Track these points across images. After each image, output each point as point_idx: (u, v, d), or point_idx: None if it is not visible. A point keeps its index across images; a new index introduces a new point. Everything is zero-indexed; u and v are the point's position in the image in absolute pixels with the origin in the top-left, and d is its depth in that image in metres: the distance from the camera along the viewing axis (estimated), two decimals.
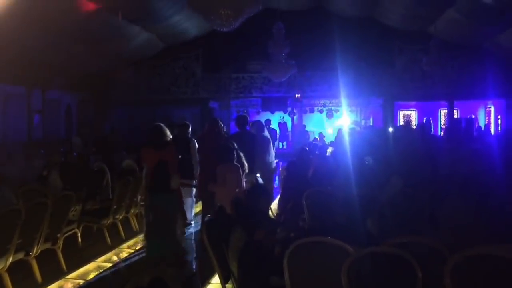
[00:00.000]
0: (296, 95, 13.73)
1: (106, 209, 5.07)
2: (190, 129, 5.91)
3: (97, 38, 10.29)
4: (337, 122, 15.75)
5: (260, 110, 15.31)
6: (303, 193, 3.91)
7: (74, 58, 10.66)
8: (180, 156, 5.18)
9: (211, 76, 14.03)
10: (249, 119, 6.50)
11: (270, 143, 6.09)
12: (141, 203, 5.58)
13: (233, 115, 15.08)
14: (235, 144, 4.82)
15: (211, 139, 5.39)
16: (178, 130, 5.93)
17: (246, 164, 4.86)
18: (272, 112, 15.07)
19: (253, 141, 5.61)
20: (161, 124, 4.80)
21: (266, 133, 6.22)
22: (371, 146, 5.69)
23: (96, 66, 12.07)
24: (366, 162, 5.02)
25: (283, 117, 16.46)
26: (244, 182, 4.73)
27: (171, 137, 4.86)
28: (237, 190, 4.41)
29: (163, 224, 4.12)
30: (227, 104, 14.28)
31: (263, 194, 3.09)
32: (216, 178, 4.52)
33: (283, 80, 11.15)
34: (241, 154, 4.82)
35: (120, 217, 5.28)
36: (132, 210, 5.60)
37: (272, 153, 6.22)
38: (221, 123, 5.71)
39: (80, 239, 4.85)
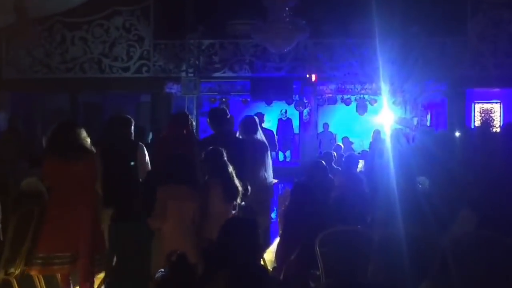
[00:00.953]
0: (309, 76, 13.83)
1: None
2: (132, 128, 5.98)
3: None
4: (373, 120, 15.91)
5: (249, 100, 15.39)
6: (317, 235, 3.96)
7: None
8: (112, 173, 5.30)
9: (168, 44, 14.07)
10: (229, 114, 6.66)
11: (267, 151, 6.30)
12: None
13: (204, 107, 15.09)
14: (223, 154, 4.96)
15: (176, 145, 5.55)
16: (114, 129, 6.02)
17: (238, 186, 5.01)
18: (268, 103, 15.15)
19: (239, 148, 5.73)
20: (71, 120, 4.89)
21: (260, 136, 6.39)
22: (428, 160, 5.78)
23: None
24: (420, 186, 5.09)
25: (285, 111, 16.57)
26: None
27: (88, 140, 5.01)
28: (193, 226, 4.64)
29: (133, 266, 4.38)
30: (194, 89, 14.30)
31: (251, 235, 3.14)
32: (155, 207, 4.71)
33: (286, 50, 11.23)
34: (231, 171, 4.98)
35: (17, 272, 5.22)
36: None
37: (270, 167, 6.37)
38: (191, 119, 5.95)
39: None
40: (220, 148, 5.10)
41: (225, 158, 5.08)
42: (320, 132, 16.63)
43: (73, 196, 5.09)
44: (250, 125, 6.35)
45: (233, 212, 5.19)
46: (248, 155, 5.83)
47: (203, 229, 4.92)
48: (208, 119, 6.27)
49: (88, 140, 5.09)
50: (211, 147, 5.19)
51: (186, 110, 13.41)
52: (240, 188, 5.05)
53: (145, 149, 5.85)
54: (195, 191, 4.86)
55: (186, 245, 4.66)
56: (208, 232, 4.83)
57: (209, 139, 5.97)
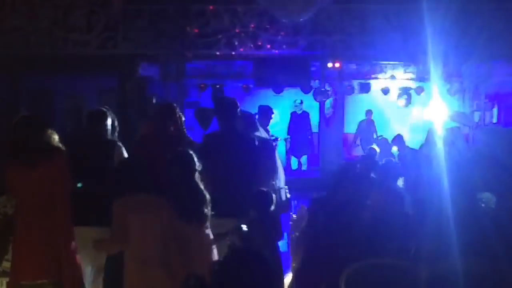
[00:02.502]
0: (333, 55, 13.83)
1: None
2: (109, 122, 6.31)
3: None
4: (420, 115, 15.92)
5: (251, 86, 15.38)
6: (342, 269, 3.96)
7: None
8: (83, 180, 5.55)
9: (142, 9, 14.10)
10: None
11: (274, 151, 6.60)
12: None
13: (190, 96, 15.11)
14: (190, 159, 5.14)
15: (161, 146, 5.77)
16: (86, 124, 6.33)
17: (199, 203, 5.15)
18: (278, 91, 15.18)
19: (245, 151, 5.99)
20: (29, 115, 5.31)
21: (260, 133, 6.70)
22: (494, 171, 5.78)
23: None
24: (484, 205, 5.09)
25: (300, 102, 16.57)
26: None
27: (54, 137, 5.26)
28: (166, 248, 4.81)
29: None
30: (177, 71, 14.34)
31: (254, 272, 3.16)
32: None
33: (302, 20, 11.23)
34: (195, 183, 5.13)
35: None
36: None
37: (282, 175, 6.58)
38: (180, 113, 6.22)
39: None
40: (189, 152, 5.26)
41: (194, 164, 5.20)
42: (361, 122, 16.57)
43: (43, 210, 5.30)
44: (252, 120, 6.72)
45: (206, 232, 5.27)
46: (255, 160, 6.10)
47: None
48: (215, 111, 6.53)
49: (56, 137, 5.30)
50: (180, 149, 5.36)
51: (167, 100, 13.53)
52: (204, 208, 5.18)
53: (123, 150, 6.10)
54: (160, 198, 5.01)
55: (161, 275, 4.85)
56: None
57: (213, 138, 6.26)
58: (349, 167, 6.65)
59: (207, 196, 5.24)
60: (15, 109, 13.66)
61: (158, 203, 5.00)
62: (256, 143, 6.20)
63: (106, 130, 6.26)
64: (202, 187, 5.24)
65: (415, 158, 9.56)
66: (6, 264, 6.23)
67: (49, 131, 5.28)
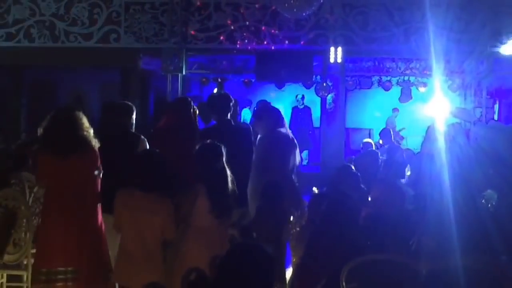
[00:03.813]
0: (335, 50, 13.82)
1: None
2: (133, 117, 6.56)
3: None
4: (421, 111, 15.91)
5: (253, 80, 15.38)
6: (343, 264, 3.95)
7: None
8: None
9: (144, 3, 14.05)
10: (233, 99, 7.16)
11: (296, 148, 6.99)
12: None
13: (192, 90, 15.11)
14: (220, 151, 5.26)
15: (176, 140, 6.01)
16: (110, 117, 6.55)
17: (229, 200, 5.26)
18: (279, 86, 15.19)
19: (241, 141, 6.50)
20: (71, 106, 5.65)
21: (286, 130, 7.09)
22: (496, 167, 5.77)
23: None
24: (484, 202, 5.08)
25: (302, 97, 16.58)
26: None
27: (90, 131, 5.52)
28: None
29: None
30: (179, 65, 14.33)
31: (256, 267, 3.14)
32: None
33: (305, 15, 11.22)
34: (228, 177, 5.28)
35: None
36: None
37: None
38: (194, 107, 6.52)
39: None
40: (218, 144, 5.33)
41: (223, 158, 5.28)
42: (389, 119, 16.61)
43: (72, 200, 5.51)
44: (273, 116, 7.10)
45: (230, 231, 5.37)
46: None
47: (181, 243, 5.17)
48: (208, 106, 6.91)
49: (91, 131, 5.54)
50: (207, 141, 5.43)
51: (168, 93, 13.53)
52: (232, 204, 5.31)
53: (147, 143, 6.32)
54: (164, 200, 5.10)
55: (144, 272, 4.95)
56: (185, 248, 5.11)
57: (210, 131, 6.49)
58: (345, 167, 6.70)
59: (234, 187, 5.34)
60: (17, 102, 13.68)
61: (158, 205, 5.07)
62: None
63: (132, 123, 6.50)
64: (231, 181, 5.32)
65: (394, 153, 9.60)
66: (7, 258, 6.28)
67: (86, 124, 5.48)
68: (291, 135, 7.15)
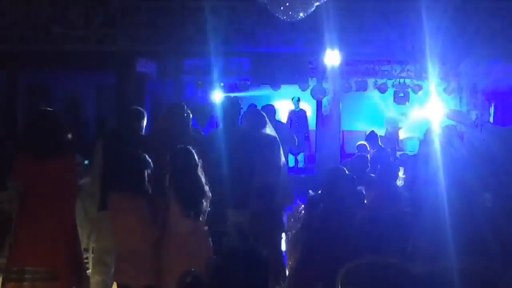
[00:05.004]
0: (330, 52, 13.83)
1: None
2: (144, 122, 6.78)
3: None
4: (417, 113, 15.92)
5: (249, 83, 15.38)
6: (339, 268, 3.95)
7: None
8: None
9: (141, 5, 14.05)
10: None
11: (279, 148, 6.87)
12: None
13: (187, 93, 15.09)
14: (190, 154, 5.32)
15: (169, 143, 5.87)
16: (124, 123, 6.83)
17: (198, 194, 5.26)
18: (275, 88, 15.18)
19: (251, 146, 6.40)
20: (50, 110, 5.53)
21: (270, 130, 6.96)
22: (491, 169, 5.77)
23: None
24: (481, 205, 5.08)
25: (297, 100, 16.58)
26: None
27: (69, 135, 5.54)
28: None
29: None
30: (175, 68, 14.33)
31: (251, 270, 3.13)
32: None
33: (300, 17, 11.21)
34: (197, 177, 5.31)
35: None
36: None
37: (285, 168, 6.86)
38: (188, 111, 6.59)
39: None
40: (188, 148, 5.42)
41: (195, 160, 5.35)
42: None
43: (48, 201, 5.50)
44: (258, 118, 6.99)
45: (205, 228, 5.37)
46: (260, 154, 6.52)
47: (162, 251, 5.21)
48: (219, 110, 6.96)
49: (70, 135, 5.56)
50: (181, 146, 5.51)
51: (164, 96, 13.55)
52: (204, 203, 5.30)
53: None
54: (140, 199, 5.17)
55: (132, 271, 5.07)
56: (167, 256, 5.14)
57: (217, 135, 6.67)
58: (338, 169, 6.71)
59: (207, 190, 5.35)
60: (12, 105, 13.66)
61: (133, 203, 5.15)
62: (264, 138, 6.64)
63: (142, 128, 6.68)
64: (203, 181, 5.35)
65: (381, 159, 9.62)
66: (2, 261, 6.27)
67: (65, 128, 5.52)
68: (273, 134, 7.09)
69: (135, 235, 5.14)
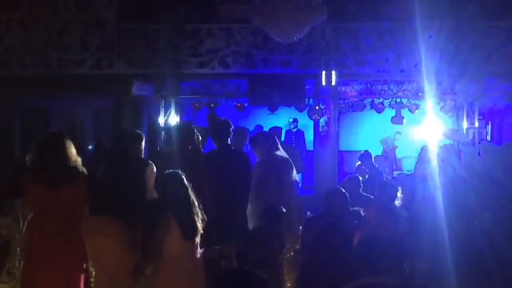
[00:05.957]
0: (327, 73, 13.87)
1: None
2: (143, 144, 6.75)
3: None
4: (414, 132, 15.94)
5: (246, 105, 15.38)
6: None
7: None
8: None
9: (137, 30, 14.10)
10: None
11: (292, 168, 7.19)
12: None
13: (185, 115, 15.09)
14: (181, 177, 5.35)
15: (186, 166, 6.00)
16: (121, 146, 6.66)
17: (197, 220, 5.28)
18: (272, 110, 15.20)
19: (240, 166, 6.78)
20: (60, 132, 5.57)
21: (281, 152, 7.29)
22: (491, 190, 5.78)
23: None
24: (477, 222, 5.09)
25: (295, 121, 16.58)
26: None
27: (79, 159, 5.59)
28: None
29: None
30: (171, 90, 14.35)
31: None
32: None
33: (296, 39, 11.26)
34: (191, 200, 5.33)
35: None
36: None
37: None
38: (198, 133, 6.84)
39: None
40: (177, 171, 5.44)
41: (185, 183, 5.37)
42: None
43: (60, 227, 5.52)
44: (264, 140, 7.48)
45: (198, 252, 5.37)
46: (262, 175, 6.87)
47: (158, 277, 5.14)
48: (210, 131, 7.37)
49: (79, 159, 5.59)
50: (169, 170, 5.56)
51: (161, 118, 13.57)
52: (199, 224, 5.31)
53: (154, 168, 6.35)
54: (117, 222, 5.21)
55: None
56: (163, 281, 5.11)
57: (211, 156, 6.94)
58: (337, 187, 6.76)
59: (201, 212, 5.36)
60: (10, 129, 13.67)
61: (111, 226, 5.21)
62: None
63: (141, 150, 6.63)
64: (196, 203, 5.36)
65: (375, 179, 9.64)
66: (1, 286, 6.26)
67: (74, 152, 5.54)
68: (286, 156, 7.39)
69: (110, 259, 5.13)
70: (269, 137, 7.63)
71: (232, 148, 7.27)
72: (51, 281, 5.44)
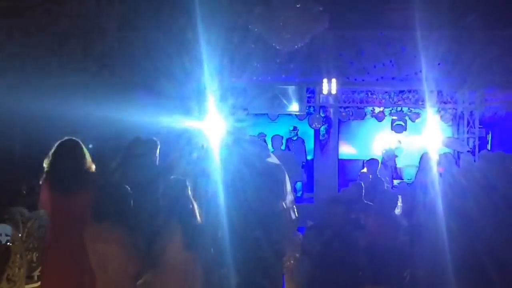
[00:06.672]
0: (328, 81, 13.86)
1: None
2: (157, 152, 6.62)
3: None
4: (414, 141, 15.90)
5: (246, 113, 15.36)
6: None
7: None
8: None
9: (136, 36, 14.08)
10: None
11: (285, 177, 6.85)
12: None
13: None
14: (185, 186, 5.31)
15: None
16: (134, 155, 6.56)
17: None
18: (272, 118, 15.17)
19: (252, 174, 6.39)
20: (75, 140, 5.49)
21: (273, 159, 6.96)
22: (491, 199, 5.75)
23: None
24: (484, 232, 5.07)
25: (295, 129, 16.55)
26: None
27: (93, 166, 5.57)
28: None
29: None
30: (173, 98, 14.31)
31: None
32: None
33: (297, 47, 11.24)
34: (193, 209, 5.37)
35: None
36: None
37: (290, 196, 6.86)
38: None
39: None
40: (182, 179, 5.44)
41: (189, 192, 5.36)
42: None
43: (74, 234, 5.45)
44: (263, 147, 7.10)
45: (197, 259, 5.33)
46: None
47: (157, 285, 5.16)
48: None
49: (93, 166, 5.59)
50: (172, 177, 5.56)
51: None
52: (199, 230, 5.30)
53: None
54: (119, 230, 5.08)
55: None
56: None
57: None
58: (336, 196, 6.72)
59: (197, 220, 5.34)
60: (10, 136, 13.64)
61: (112, 233, 5.09)
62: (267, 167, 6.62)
63: (156, 158, 6.52)
64: (196, 212, 5.35)
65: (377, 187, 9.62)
66: None
67: (89, 159, 5.53)
68: (277, 162, 7.15)
69: (113, 266, 5.10)
70: (257, 144, 7.39)
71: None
72: (66, 286, 5.46)
